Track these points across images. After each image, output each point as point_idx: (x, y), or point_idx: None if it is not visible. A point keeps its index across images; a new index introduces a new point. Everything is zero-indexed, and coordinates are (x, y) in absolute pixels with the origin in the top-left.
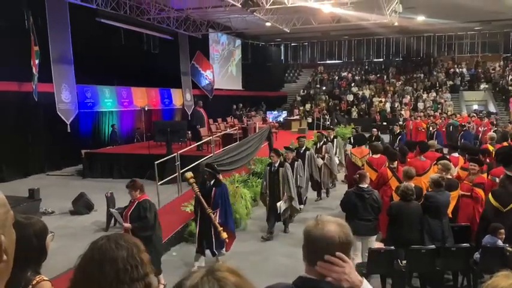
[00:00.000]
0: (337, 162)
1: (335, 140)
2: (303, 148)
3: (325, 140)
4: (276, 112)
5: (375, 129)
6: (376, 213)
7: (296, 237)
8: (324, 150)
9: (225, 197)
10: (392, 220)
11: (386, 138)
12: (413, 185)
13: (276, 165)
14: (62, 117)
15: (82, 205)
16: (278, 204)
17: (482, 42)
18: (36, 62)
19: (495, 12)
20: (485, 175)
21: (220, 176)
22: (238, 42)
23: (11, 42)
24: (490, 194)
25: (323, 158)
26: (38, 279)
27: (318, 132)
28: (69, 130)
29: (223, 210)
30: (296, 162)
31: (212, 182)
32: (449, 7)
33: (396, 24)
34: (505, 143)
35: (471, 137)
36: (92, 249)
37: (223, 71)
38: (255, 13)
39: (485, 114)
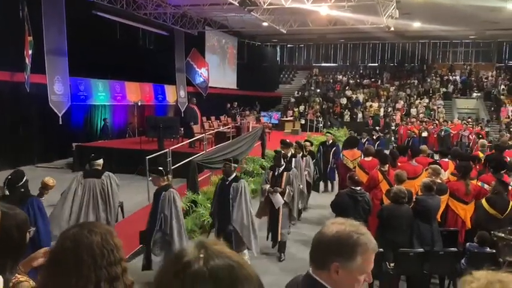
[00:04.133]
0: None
1: (293, 159)
2: (231, 177)
3: (284, 162)
4: (267, 113)
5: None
6: (366, 215)
7: None
8: (284, 180)
9: None
10: (383, 223)
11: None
12: (405, 189)
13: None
14: (54, 109)
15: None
16: None
17: (476, 51)
18: (30, 52)
19: (490, 22)
20: (474, 181)
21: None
22: (235, 41)
23: (4, 32)
24: (484, 201)
25: (283, 194)
26: (14, 280)
27: (275, 151)
28: (60, 122)
29: None
30: (164, 193)
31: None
32: (446, 14)
33: (392, 29)
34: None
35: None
36: (64, 239)
37: (218, 69)
38: (252, 12)
39: (474, 121)
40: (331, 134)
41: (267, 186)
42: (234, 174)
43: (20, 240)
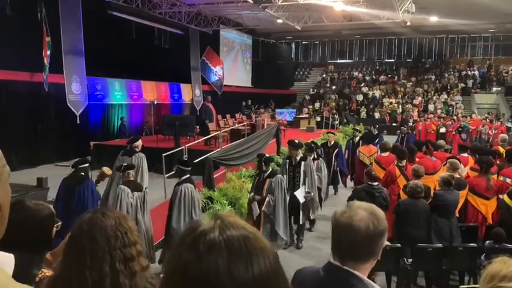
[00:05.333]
0: (302, 198)
1: (302, 163)
2: (181, 179)
3: (270, 170)
4: (284, 110)
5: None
6: (383, 211)
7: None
8: (265, 187)
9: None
10: (399, 218)
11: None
12: (422, 183)
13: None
14: (72, 108)
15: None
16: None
17: (496, 45)
18: (48, 52)
19: (510, 14)
20: (495, 176)
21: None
22: (249, 39)
23: (24, 33)
24: (506, 196)
25: (261, 203)
26: (40, 275)
27: (258, 156)
28: (78, 122)
29: None
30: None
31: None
32: (464, 8)
33: (409, 24)
34: None
35: None
36: (80, 224)
37: (233, 67)
38: (266, 9)
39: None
40: (333, 134)
41: (251, 194)
42: (185, 176)
43: (45, 236)
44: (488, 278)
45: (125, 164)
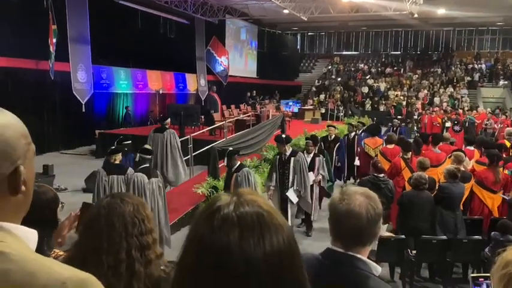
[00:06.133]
0: (295, 198)
1: (291, 159)
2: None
3: (237, 164)
4: (290, 101)
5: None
6: (389, 203)
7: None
8: (232, 183)
9: None
10: (403, 209)
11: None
12: (426, 175)
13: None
14: (78, 96)
15: (94, 183)
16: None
17: (503, 38)
18: (54, 40)
19: None
20: (501, 169)
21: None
22: (255, 29)
23: (30, 20)
24: None
25: None
26: (53, 255)
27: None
28: (84, 110)
29: None
30: None
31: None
32: (472, 0)
33: (416, 16)
34: None
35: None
36: (98, 207)
37: (238, 57)
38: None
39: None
40: (334, 127)
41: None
42: (143, 166)
43: (51, 217)
44: (502, 264)
45: (112, 147)
